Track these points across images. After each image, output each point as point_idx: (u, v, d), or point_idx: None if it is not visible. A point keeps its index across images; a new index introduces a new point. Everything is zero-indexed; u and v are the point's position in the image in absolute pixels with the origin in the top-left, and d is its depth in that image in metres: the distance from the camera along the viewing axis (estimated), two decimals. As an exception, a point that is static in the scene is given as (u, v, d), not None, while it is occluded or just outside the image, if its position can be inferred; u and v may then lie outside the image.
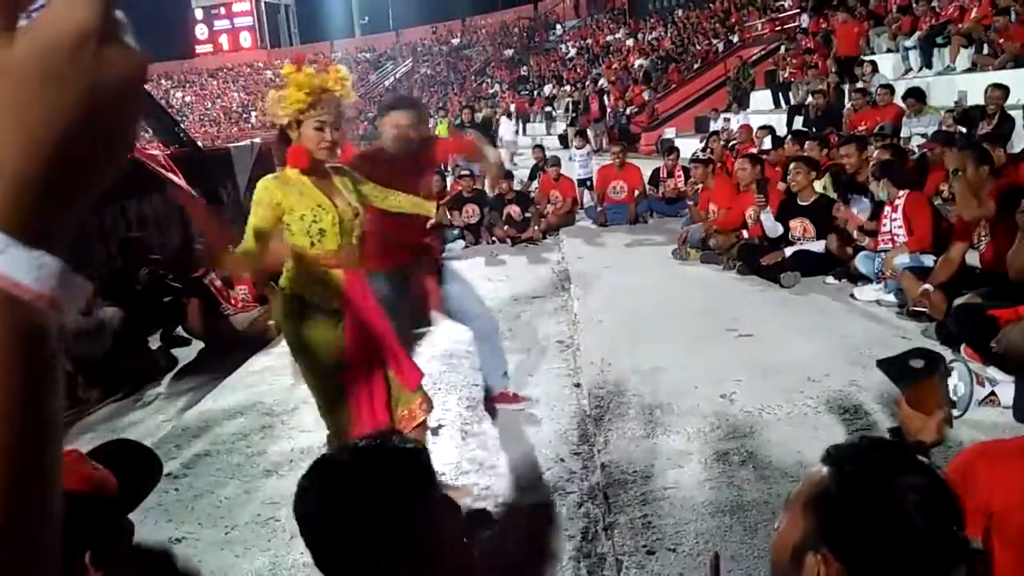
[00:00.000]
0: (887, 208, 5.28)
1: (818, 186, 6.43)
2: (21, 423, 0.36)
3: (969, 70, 10.33)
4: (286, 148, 2.62)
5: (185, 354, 5.63)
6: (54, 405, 0.38)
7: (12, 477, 0.36)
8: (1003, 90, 7.92)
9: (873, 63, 11.60)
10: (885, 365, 1.68)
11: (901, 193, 5.21)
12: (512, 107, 24.40)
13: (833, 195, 6.40)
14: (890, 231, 5.25)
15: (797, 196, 6.19)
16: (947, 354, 1.79)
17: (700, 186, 7.76)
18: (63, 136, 0.37)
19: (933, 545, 1.00)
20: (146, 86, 0.42)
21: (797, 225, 6.17)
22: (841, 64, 12.06)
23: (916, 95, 8.98)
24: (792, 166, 6.28)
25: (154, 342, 5.79)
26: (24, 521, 0.37)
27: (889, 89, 9.59)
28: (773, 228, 6.19)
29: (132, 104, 0.40)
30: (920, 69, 11.16)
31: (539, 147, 11.08)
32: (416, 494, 1.11)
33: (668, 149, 10.37)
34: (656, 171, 9.79)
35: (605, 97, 20.43)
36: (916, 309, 4.66)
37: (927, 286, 4.51)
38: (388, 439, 1.22)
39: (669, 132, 16.54)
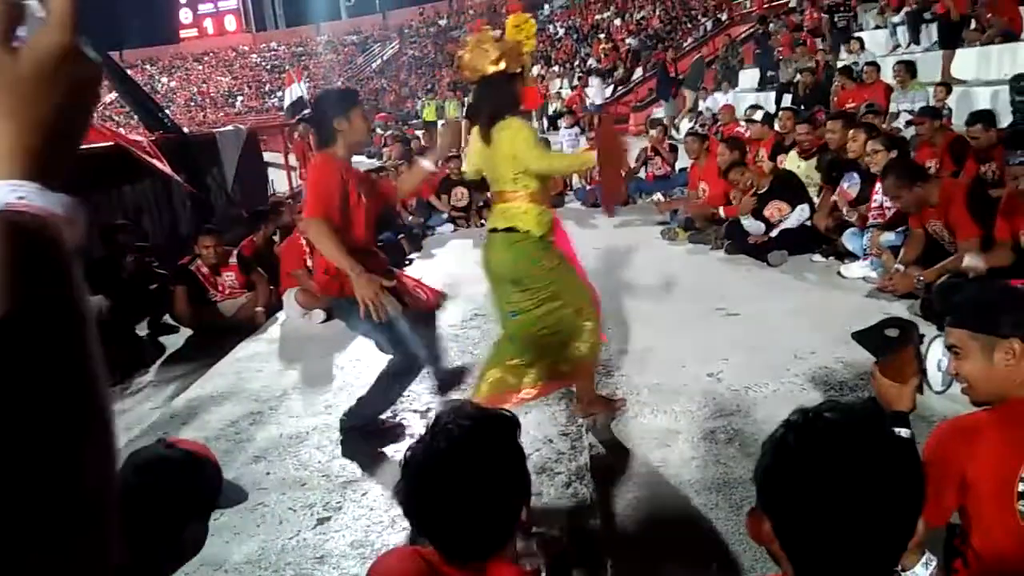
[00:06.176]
0: (879, 183, 5.30)
1: (791, 164, 6.67)
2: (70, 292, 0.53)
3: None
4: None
5: (172, 342, 5.60)
6: (81, 287, 0.54)
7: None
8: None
9: (860, 39, 11.55)
10: (860, 336, 1.69)
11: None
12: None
13: (814, 175, 6.44)
14: (880, 204, 5.27)
15: (757, 190, 6.35)
16: (932, 330, 1.79)
17: (692, 162, 7.72)
18: (57, 117, 0.55)
19: (877, 520, 0.98)
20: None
21: (773, 211, 6.19)
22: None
23: (906, 68, 8.90)
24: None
25: (141, 330, 5.77)
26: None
27: (875, 67, 9.51)
28: (756, 229, 6.21)
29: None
30: (908, 45, 11.12)
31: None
32: (504, 458, 1.31)
33: (654, 124, 10.28)
34: (644, 150, 9.72)
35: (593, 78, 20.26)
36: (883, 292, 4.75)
37: (898, 266, 4.58)
38: (488, 410, 1.42)
39: (658, 112, 16.46)
